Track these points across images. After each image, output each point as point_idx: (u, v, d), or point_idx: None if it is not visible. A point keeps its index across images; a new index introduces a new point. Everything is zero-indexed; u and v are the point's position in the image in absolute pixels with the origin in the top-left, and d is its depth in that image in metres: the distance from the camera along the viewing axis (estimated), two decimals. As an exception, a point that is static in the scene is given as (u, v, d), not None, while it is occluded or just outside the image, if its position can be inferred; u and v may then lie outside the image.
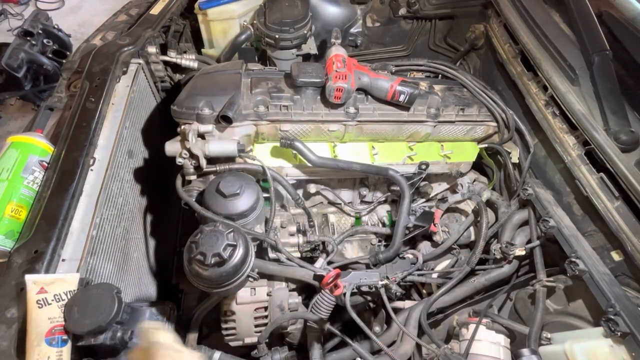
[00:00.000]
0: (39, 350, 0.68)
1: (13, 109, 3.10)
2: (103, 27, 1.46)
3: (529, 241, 1.15)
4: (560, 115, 1.06)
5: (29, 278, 0.75)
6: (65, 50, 2.61)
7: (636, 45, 0.95)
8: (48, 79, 2.70)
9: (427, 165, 1.30)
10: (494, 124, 1.33)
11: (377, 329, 1.33)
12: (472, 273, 1.24)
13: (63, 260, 0.87)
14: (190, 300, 1.33)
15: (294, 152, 1.25)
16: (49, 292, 0.75)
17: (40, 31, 2.56)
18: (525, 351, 0.79)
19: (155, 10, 1.46)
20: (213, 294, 0.97)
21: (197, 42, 1.68)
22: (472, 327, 1.02)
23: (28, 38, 2.45)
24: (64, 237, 0.88)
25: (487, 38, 1.44)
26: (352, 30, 1.63)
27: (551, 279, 1.00)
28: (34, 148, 0.98)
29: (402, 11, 1.55)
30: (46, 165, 0.99)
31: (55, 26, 2.73)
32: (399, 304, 1.35)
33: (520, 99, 1.25)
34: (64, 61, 1.73)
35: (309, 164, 1.24)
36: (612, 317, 0.75)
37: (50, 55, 2.60)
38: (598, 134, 0.90)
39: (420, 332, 1.14)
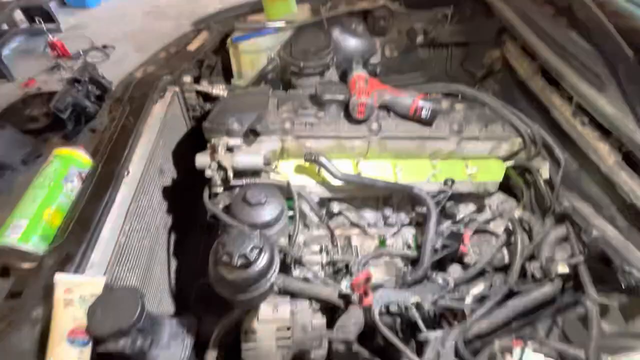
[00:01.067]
0: (60, 350, 0.66)
1: (56, 147, 3.37)
2: (145, 62, 1.61)
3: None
4: (589, 123, 1.03)
5: (57, 277, 0.75)
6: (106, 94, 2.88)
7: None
8: (89, 119, 2.95)
9: (452, 181, 1.27)
10: (519, 139, 1.31)
11: (407, 362, 1.21)
12: (510, 296, 1.14)
13: (91, 266, 0.87)
14: (207, 328, 1.28)
15: (318, 168, 1.27)
16: (74, 292, 0.75)
17: (86, 79, 2.86)
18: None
19: (192, 47, 1.61)
20: (236, 304, 0.93)
21: (227, 76, 1.82)
22: (517, 351, 0.92)
23: (75, 84, 2.73)
24: (94, 242, 0.89)
25: (504, 60, 1.48)
26: (372, 60, 1.72)
27: (603, 295, 0.90)
28: (75, 160, 1.04)
29: (419, 39, 1.64)
30: (84, 176, 1.04)
31: (101, 74, 3.05)
32: (430, 334, 1.24)
33: (545, 114, 1.24)
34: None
35: (333, 180, 1.25)
36: (685, 327, 0.66)
37: (92, 100, 2.87)
38: (636, 135, 0.87)
39: (457, 361, 1.03)
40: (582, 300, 0.92)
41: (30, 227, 0.85)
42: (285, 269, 1.16)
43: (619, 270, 0.83)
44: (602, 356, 0.79)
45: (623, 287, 0.81)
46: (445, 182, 1.28)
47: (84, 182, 1.02)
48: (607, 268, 0.98)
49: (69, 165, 1.01)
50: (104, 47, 4.42)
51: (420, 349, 1.16)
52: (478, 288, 1.28)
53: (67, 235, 0.87)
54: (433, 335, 1.19)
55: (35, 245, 0.85)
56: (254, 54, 1.58)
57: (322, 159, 1.17)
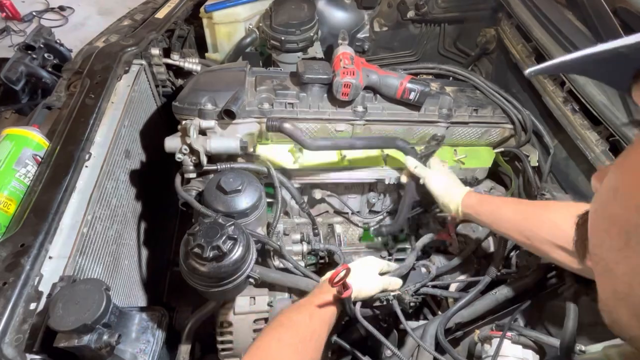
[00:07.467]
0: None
1: (8, 122, 3.20)
2: (107, 30, 1.53)
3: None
4: (580, 111, 1.06)
5: None
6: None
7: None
8: (46, 92, 2.80)
9: (443, 136, 1.28)
10: (510, 126, 1.34)
11: (388, 352, 1.27)
12: (492, 285, 1.20)
13: (50, 257, 0.86)
14: (182, 318, 1.30)
15: (297, 152, 1.26)
16: None
17: (41, 45, 2.70)
18: None
19: (160, 14, 1.54)
20: (209, 296, 0.94)
21: (201, 49, 1.75)
22: (495, 341, 0.97)
23: (29, 52, 2.57)
24: (53, 231, 0.87)
25: (498, 41, 1.48)
26: (360, 35, 1.69)
27: (581, 286, 0.96)
28: (29, 141, 1.00)
29: (411, 14, 1.62)
30: (40, 159, 1.00)
31: (57, 41, 2.88)
32: (412, 324, 1.30)
33: (537, 99, 1.26)
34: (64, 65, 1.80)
35: (308, 153, 1.21)
36: (655, 318, 0.71)
37: (49, 70, 2.72)
38: (624, 125, 0.91)
39: (438, 351, 1.09)
40: (561, 290, 0.98)
41: (-21, 216, 0.83)
42: (264, 259, 1.17)
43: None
44: (577, 346, 0.85)
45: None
46: (434, 137, 1.28)
47: (40, 166, 0.99)
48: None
49: (21, 147, 0.97)
50: (61, 8, 4.15)
51: (403, 338, 1.21)
52: (462, 277, 1.34)
53: (22, 225, 0.85)
54: (414, 326, 1.25)
55: (-14, 235, 0.83)
56: (230, 24, 1.52)
57: (287, 126, 1.07)
